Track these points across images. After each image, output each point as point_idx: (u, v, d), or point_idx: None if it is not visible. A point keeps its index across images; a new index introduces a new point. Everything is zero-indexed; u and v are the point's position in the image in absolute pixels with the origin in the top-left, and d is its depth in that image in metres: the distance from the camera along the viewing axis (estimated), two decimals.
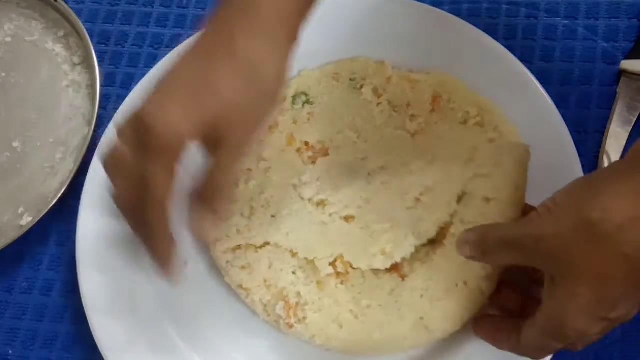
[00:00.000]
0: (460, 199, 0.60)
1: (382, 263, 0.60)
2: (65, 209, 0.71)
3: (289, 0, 0.53)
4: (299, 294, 0.61)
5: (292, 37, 0.54)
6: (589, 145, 0.67)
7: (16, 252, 0.70)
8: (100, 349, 0.62)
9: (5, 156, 0.74)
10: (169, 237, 0.53)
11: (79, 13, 0.78)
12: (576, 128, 0.66)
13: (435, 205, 0.60)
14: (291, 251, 0.62)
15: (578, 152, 0.63)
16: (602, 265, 0.46)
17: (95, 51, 0.75)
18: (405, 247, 0.60)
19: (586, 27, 0.72)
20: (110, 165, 0.53)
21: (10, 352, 0.67)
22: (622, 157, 0.66)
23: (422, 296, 0.58)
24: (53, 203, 0.69)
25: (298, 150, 0.67)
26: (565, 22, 0.73)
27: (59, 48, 0.78)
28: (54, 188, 0.71)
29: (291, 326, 0.60)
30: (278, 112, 0.69)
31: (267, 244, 0.63)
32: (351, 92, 0.69)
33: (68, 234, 0.70)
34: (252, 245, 0.63)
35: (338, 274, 0.61)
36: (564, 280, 0.47)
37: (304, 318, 0.60)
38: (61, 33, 0.78)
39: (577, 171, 0.63)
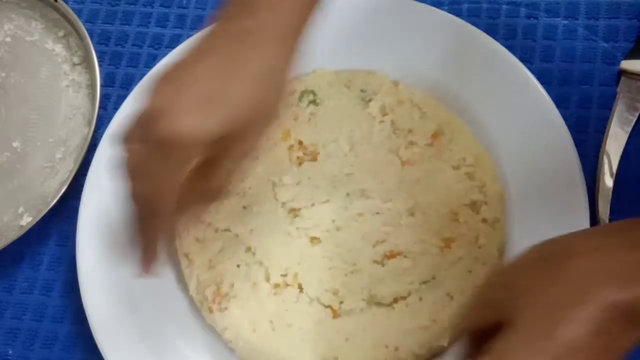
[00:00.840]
0: (426, 282, 0.61)
1: (329, 301, 0.61)
2: (65, 209, 0.71)
3: (286, 17, 0.53)
4: (232, 285, 0.62)
5: (293, 49, 0.54)
6: (589, 145, 0.67)
7: (16, 252, 0.70)
8: (100, 349, 0.62)
9: (5, 156, 0.74)
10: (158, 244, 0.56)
11: (79, 13, 0.78)
12: (576, 128, 0.66)
13: (400, 276, 0.61)
14: (247, 247, 0.63)
15: (578, 152, 0.63)
16: (556, 295, 0.44)
17: (95, 51, 0.75)
18: (356, 300, 0.61)
19: (586, 27, 0.72)
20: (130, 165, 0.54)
21: (10, 352, 0.67)
22: (622, 157, 0.66)
23: (346, 340, 0.60)
24: (53, 203, 0.69)
25: (290, 147, 0.68)
26: (565, 22, 0.73)
27: (59, 48, 0.78)
28: (54, 188, 0.71)
29: (211, 311, 0.62)
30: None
31: (228, 230, 0.64)
32: (358, 103, 0.69)
33: (68, 234, 0.70)
34: (214, 226, 0.65)
35: (277, 285, 0.62)
36: (517, 312, 0.45)
37: (226, 309, 0.61)
38: (61, 33, 0.78)
39: (577, 171, 0.63)
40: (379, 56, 0.70)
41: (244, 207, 0.65)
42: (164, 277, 0.65)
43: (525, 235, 0.62)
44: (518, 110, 0.66)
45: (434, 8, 0.71)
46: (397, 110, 0.68)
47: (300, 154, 0.67)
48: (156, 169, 0.52)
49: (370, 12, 0.71)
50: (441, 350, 0.60)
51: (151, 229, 0.54)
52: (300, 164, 0.67)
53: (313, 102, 0.69)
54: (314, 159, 0.67)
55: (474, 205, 0.63)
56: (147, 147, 0.52)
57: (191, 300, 0.64)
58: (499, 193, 0.64)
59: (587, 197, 0.62)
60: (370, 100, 0.69)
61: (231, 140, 0.52)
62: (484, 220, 0.63)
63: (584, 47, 0.71)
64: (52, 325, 0.68)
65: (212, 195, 0.56)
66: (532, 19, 0.73)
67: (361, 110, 0.69)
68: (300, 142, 0.68)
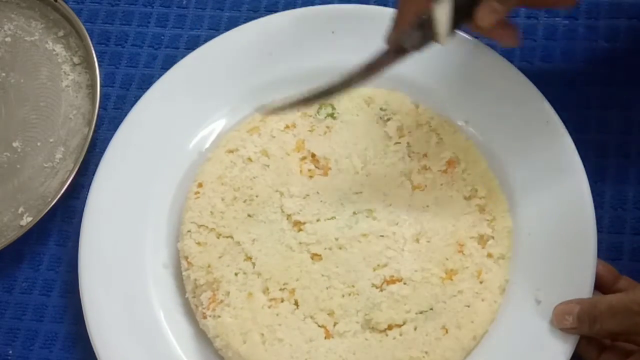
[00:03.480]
0: (422, 312, 0.61)
1: (323, 321, 0.61)
2: (65, 209, 0.71)
3: None
4: (228, 293, 0.62)
5: None
6: (589, 146, 0.67)
7: (16, 252, 0.70)
8: (95, 351, 0.62)
9: (5, 156, 0.74)
10: None
11: (79, 13, 0.78)
12: (576, 128, 0.66)
13: (398, 304, 0.61)
14: (247, 256, 0.63)
15: (578, 152, 0.63)
16: None
17: (95, 51, 0.75)
18: (350, 323, 0.60)
19: (586, 27, 0.72)
20: None
21: (10, 352, 0.67)
22: (622, 158, 0.65)
23: None
24: (53, 203, 0.69)
25: (302, 159, 0.67)
26: (566, 22, 0.73)
27: (59, 48, 0.78)
28: (54, 188, 0.71)
29: (205, 317, 0.62)
30: (300, 115, 0.69)
31: (231, 237, 0.64)
32: (376, 121, 0.68)
33: (68, 234, 0.70)
34: (217, 231, 0.65)
35: (273, 298, 0.62)
36: None
37: (219, 316, 0.61)
38: (61, 33, 0.78)
39: (578, 172, 0.62)
40: (401, 76, 0.69)
41: (249, 215, 0.65)
42: (163, 278, 0.66)
43: (528, 275, 0.61)
44: (536, 147, 0.64)
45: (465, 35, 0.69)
46: (415, 133, 0.67)
47: (312, 166, 0.67)
48: None
49: None
50: None
51: None
52: (310, 177, 0.66)
53: (331, 115, 0.69)
54: (325, 174, 0.66)
55: (481, 239, 0.63)
56: None
57: (187, 303, 0.64)
58: (508, 229, 0.63)
59: (596, 245, 0.60)
60: (388, 120, 0.68)
61: None
62: (489, 255, 0.62)
63: (584, 47, 0.71)
64: (52, 325, 0.68)
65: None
66: (532, 19, 0.73)
67: (378, 128, 0.68)
68: (313, 155, 0.67)
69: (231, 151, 0.68)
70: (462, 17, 0.54)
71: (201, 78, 0.71)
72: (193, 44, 0.75)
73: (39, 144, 0.74)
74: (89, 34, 0.76)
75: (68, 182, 0.70)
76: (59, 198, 0.70)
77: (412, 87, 0.69)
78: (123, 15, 0.80)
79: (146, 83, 0.74)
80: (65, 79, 0.77)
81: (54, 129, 0.74)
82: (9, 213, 0.72)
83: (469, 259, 0.62)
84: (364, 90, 0.69)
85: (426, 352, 0.59)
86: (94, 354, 0.62)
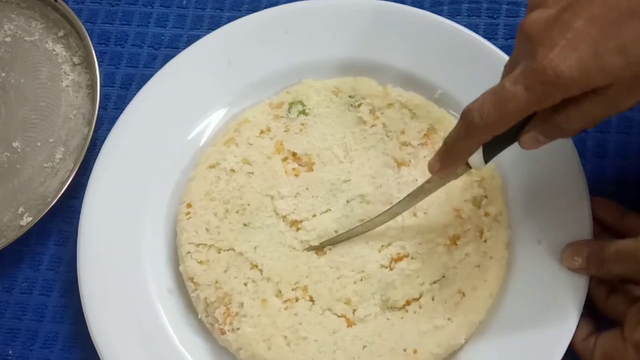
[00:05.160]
0: (436, 281, 0.61)
1: (342, 310, 0.61)
2: (65, 209, 0.71)
3: None
4: (242, 304, 0.62)
5: None
6: (589, 145, 0.67)
7: (16, 252, 0.70)
8: (98, 350, 0.62)
9: (5, 156, 0.74)
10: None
11: (79, 13, 0.78)
12: None
13: (411, 279, 0.61)
14: (253, 264, 0.63)
15: (578, 151, 0.63)
16: None
17: (95, 51, 0.75)
18: (369, 307, 0.61)
19: None
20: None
21: (10, 352, 0.67)
22: (622, 158, 0.65)
23: (364, 347, 0.60)
24: (53, 203, 0.69)
25: (284, 159, 0.68)
26: None
27: (59, 48, 0.78)
28: (54, 188, 0.71)
29: (223, 332, 0.61)
30: (272, 118, 0.69)
31: (232, 249, 0.64)
32: (348, 109, 0.69)
33: (68, 234, 0.70)
34: (217, 247, 0.64)
35: (288, 299, 0.62)
36: None
37: (238, 329, 0.61)
38: (61, 33, 0.78)
39: (577, 172, 0.62)
40: (363, 62, 0.70)
41: (245, 225, 0.65)
42: (171, 304, 0.65)
43: (528, 226, 0.62)
44: None
45: (414, 9, 0.71)
46: (387, 112, 0.68)
47: (295, 165, 0.67)
48: (517, 90, 0.50)
49: (352, 18, 0.71)
50: (459, 348, 0.60)
51: (465, 143, 0.54)
52: (296, 175, 0.67)
53: (303, 112, 0.69)
54: (310, 169, 0.67)
55: (475, 200, 0.64)
56: (521, 68, 0.50)
57: (200, 324, 0.64)
58: (498, 186, 0.64)
59: (586, 185, 0.62)
60: (359, 105, 0.69)
61: (609, 87, 0.49)
62: (486, 214, 0.63)
63: None
64: (52, 325, 0.68)
65: (561, 131, 0.53)
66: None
67: (352, 115, 0.69)
68: (294, 154, 0.68)
69: (212, 166, 0.68)
70: (506, 143, 0.56)
71: (170, 95, 0.71)
72: None
73: (39, 144, 0.74)
74: (89, 34, 0.76)
75: (68, 182, 0.70)
76: (59, 198, 0.70)
77: (377, 71, 0.70)
78: (123, 15, 0.80)
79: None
80: (65, 79, 0.77)
81: (54, 129, 0.75)
82: (9, 213, 0.72)
83: (468, 222, 0.63)
84: (330, 82, 0.70)
85: (449, 318, 0.60)
86: (94, 354, 0.62)
